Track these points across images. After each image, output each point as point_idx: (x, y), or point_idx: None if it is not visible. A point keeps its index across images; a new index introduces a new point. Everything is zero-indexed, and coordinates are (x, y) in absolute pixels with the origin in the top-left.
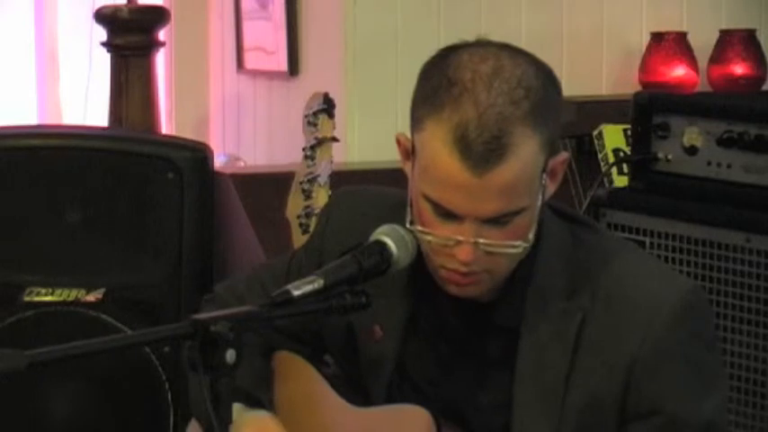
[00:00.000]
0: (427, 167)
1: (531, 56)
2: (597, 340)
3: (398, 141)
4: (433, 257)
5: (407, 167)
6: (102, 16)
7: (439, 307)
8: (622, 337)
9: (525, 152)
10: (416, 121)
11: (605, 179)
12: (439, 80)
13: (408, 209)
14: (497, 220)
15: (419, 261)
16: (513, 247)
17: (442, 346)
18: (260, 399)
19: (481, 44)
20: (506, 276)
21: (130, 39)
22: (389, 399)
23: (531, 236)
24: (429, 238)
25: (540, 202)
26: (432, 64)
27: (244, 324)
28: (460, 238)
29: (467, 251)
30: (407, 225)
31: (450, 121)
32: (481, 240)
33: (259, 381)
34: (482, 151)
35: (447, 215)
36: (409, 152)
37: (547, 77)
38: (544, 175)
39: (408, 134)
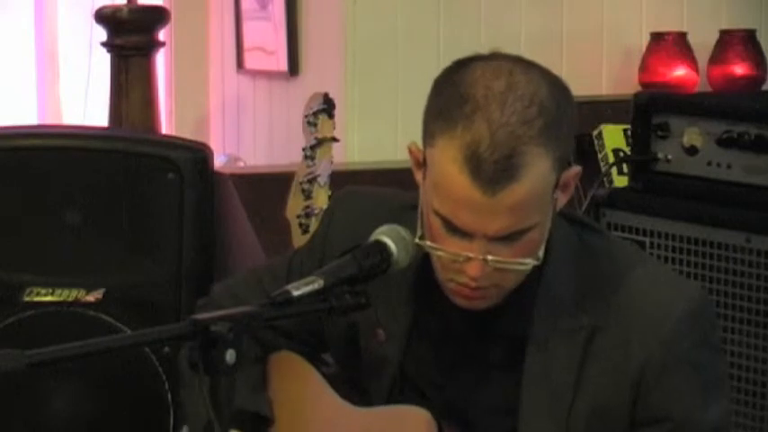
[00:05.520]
0: (438, 183)
1: (544, 69)
2: (606, 348)
3: (410, 151)
4: (442, 271)
5: (418, 177)
6: (102, 16)
7: (443, 312)
8: (631, 345)
9: (537, 172)
10: (428, 135)
11: (605, 179)
12: (451, 96)
13: (419, 222)
14: (507, 237)
15: (423, 266)
16: (523, 264)
17: (445, 350)
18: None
19: (494, 57)
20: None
21: (130, 39)
22: (390, 401)
23: (540, 253)
24: (439, 253)
25: (550, 217)
26: (444, 78)
27: (243, 324)
28: (470, 254)
29: (476, 267)
30: (417, 240)
31: (462, 139)
32: (490, 257)
33: (255, 391)
34: (493, 171)
35: (457, 231)
36: (420, 163)
37: (560, 92)
38: (556, 191)
39: (416, 142)
